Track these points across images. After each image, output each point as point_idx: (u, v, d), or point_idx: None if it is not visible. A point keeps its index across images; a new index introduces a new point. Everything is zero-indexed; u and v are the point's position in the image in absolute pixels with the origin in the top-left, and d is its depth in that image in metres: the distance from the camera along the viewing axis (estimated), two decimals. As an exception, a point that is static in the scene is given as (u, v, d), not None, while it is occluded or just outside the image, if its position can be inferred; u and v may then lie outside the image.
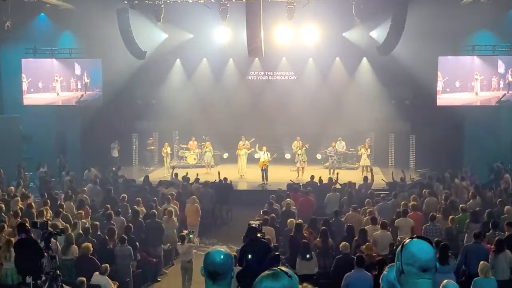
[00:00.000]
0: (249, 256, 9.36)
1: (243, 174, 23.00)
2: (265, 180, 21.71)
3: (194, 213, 15.40)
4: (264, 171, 21.76)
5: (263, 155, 22.08)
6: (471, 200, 14.76)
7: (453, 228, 12.23)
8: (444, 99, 22.87)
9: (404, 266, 2.75)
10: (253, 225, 9.94)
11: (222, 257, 3.17)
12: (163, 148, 24.31)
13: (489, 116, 22.54)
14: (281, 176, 22.57)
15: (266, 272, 2.68)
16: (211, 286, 3.18)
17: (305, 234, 11.76)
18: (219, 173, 18.79)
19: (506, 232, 11.13)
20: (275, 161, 23.21)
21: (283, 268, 2.71)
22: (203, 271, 3.20)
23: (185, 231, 12.27)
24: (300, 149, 22.46)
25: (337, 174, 19.30)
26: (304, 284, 2.78)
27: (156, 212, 13.81)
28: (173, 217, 14.01)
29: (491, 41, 22.39)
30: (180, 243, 11.92)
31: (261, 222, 11.37)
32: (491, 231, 11.23)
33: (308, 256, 10.53)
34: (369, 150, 23.19)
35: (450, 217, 12.57)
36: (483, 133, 22.32)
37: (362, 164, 22.89)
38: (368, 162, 22.80)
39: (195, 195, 16.27)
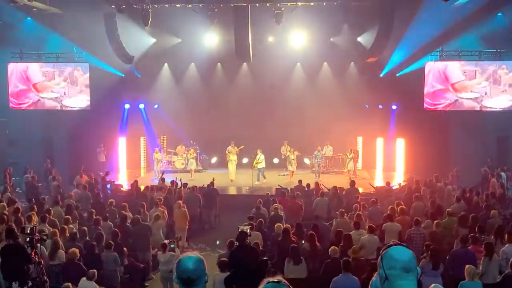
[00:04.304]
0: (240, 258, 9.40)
1: (232, 179, 22.99)
2: (261, 178, 22.50)
3: (181, 218, 15.36)
4: (260, 170, 22.36)
5: (259, 156, 22.50)
6: (455, 204, 14.85)
7: (437, 232, 12.29)
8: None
9: (386, 271, 2.79)
10: (244, 230, 9.96)
11: (193, 263, 3.16)
12: (154, 153, 24.28)
13: (475, 119, 22.72)
14: (269, 180, 22.67)
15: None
16: None
17: (293, 239, 11.76)
18: (213, 179, 18.76)
19: (492, 237, 11.19)
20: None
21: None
22: (176, 279, 3.19)
23: (166, 241, 12.10)
24: (292, 153, 22.68)
25: (320, 181, 19.27)
26: None
27: (140, 217, 13.70)
28: (160, 221, 13.96)
29: (477, 46, 22.59)
30: (161, 251, 11.72)
31: (251, 227, 11.39)
32: (477, 235, 11.29)
33: (297, 260, 10.55)
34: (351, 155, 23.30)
35: (436, 221, 12.63)
36: (470, 137, 22.50)
37: (349, 168, 23.13)
38: (351, 166, 23.05)
39: (183, 200, 16.24)
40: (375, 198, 15.83)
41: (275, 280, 2.73)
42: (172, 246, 11.67)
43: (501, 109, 22.53)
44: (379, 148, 25.91)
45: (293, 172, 22.87)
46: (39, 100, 24.22)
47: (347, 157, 23.11)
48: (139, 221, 13.45)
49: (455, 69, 22.61)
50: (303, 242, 11.78)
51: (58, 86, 24.18)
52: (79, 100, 24.18)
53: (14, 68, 24.05)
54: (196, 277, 3.15)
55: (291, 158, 22.87)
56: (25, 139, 23.82)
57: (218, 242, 15.65)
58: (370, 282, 3.09)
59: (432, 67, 22.72)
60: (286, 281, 2.76)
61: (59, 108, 24.26)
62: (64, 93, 24.20)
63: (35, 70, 24.12)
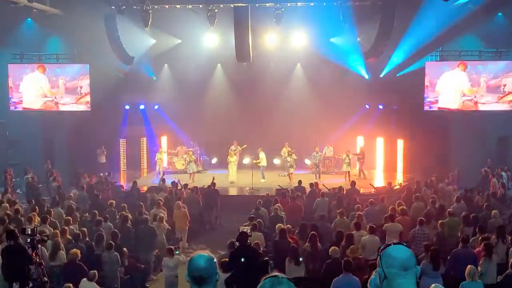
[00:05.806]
0: (242, 259, 9.40)
1: (233, 180, 22.92)
2: (262, 177, 22.86)
3: (182, 218, 15.35)
4: (261, 168, 22.79)
5: (261, 155, 22.93)
6: (455, 204, 14.85)
7: (443, 232, 12.27)
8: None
9: (385, 270, 2.81)
10: (244, 230, 9.95)
11: (205, 261, 3.22)
12: (157, 154, 24.26)
13: (475, 120, 22.71)
14: (270, 181, 22.64)
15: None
16: None
17: (290, 240, 11.74)
18: (213, 178, 18.76)
19: (493, 236, 11.17)
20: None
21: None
22: (187, 277, 3.24)
23: (172, 247, 12.04)
24: (289, 156, 22.56)
25: (320, 182, 19.25)
26: None
27: (148, 218, 13.72)
28: (163, 222, 13.96)
29: (477, 46, 22.59)
30: (168, 257, 11.48)
31: (251, 227, 11.37)
32: (477, 236, 11.28)
33: (298, 260, 10.54)
34: (349, 156, 23.18)
35: (440, 221, 12.60)
36: (470, 137, 22.49)
37: (346, 170, 23.05)
38: (349, 168, 22.95)
39: (183, 201, 16.23)
40: (378, 197, 15.82)
41: (273, 275, 2.74)
42: (177, 252, 11.59)
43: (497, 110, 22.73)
44: (379, 148, 25.88)
45: (291, 174, 22.54)
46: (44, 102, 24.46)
47: (348, 158, 22.97)
48: (146, 222, 13.43)
49: (464, 75, 22.87)
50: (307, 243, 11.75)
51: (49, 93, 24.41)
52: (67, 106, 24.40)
53: (30, 78, 24.10)
54: (208, 275, 3.21)
55: (287, 161, 22.80)
56: (26, 140, 23.83)
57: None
58: (369, 281, 3.10)
59: (449, 75, 22.97)
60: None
61: (69, 109, 24.46)
62: (55, 97, 24.33)
63: (44, 79, 24.22)
